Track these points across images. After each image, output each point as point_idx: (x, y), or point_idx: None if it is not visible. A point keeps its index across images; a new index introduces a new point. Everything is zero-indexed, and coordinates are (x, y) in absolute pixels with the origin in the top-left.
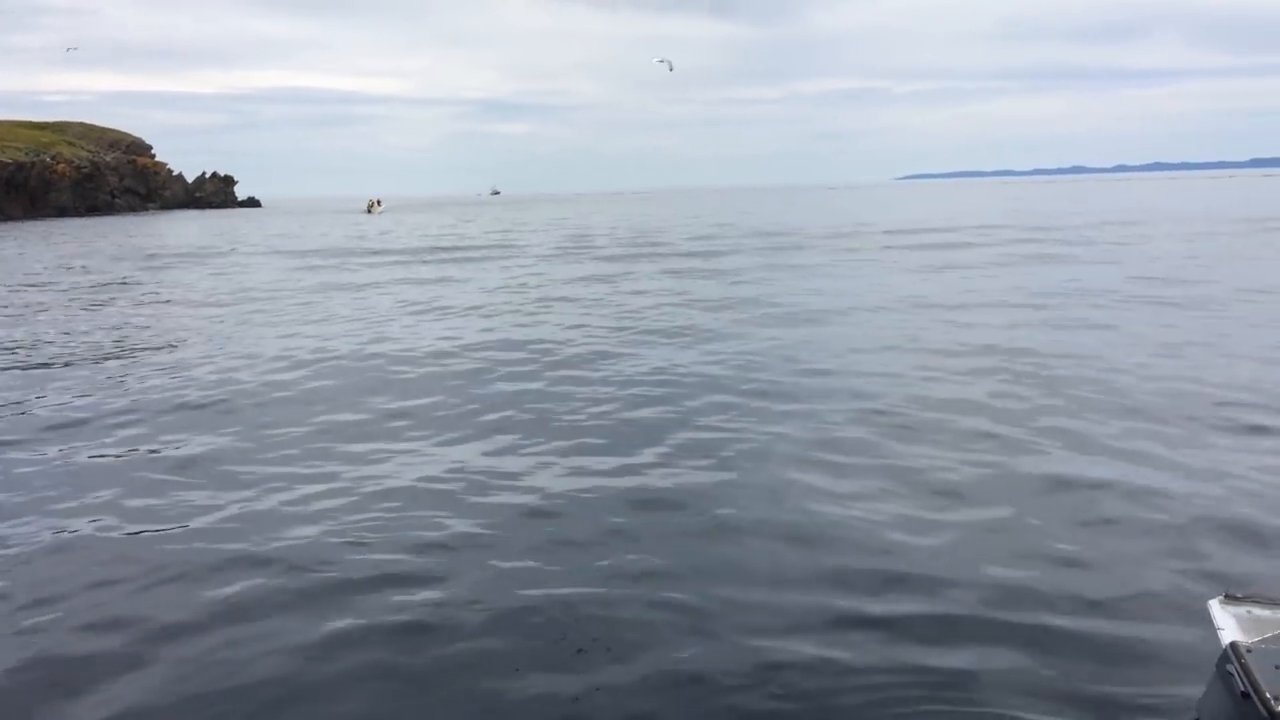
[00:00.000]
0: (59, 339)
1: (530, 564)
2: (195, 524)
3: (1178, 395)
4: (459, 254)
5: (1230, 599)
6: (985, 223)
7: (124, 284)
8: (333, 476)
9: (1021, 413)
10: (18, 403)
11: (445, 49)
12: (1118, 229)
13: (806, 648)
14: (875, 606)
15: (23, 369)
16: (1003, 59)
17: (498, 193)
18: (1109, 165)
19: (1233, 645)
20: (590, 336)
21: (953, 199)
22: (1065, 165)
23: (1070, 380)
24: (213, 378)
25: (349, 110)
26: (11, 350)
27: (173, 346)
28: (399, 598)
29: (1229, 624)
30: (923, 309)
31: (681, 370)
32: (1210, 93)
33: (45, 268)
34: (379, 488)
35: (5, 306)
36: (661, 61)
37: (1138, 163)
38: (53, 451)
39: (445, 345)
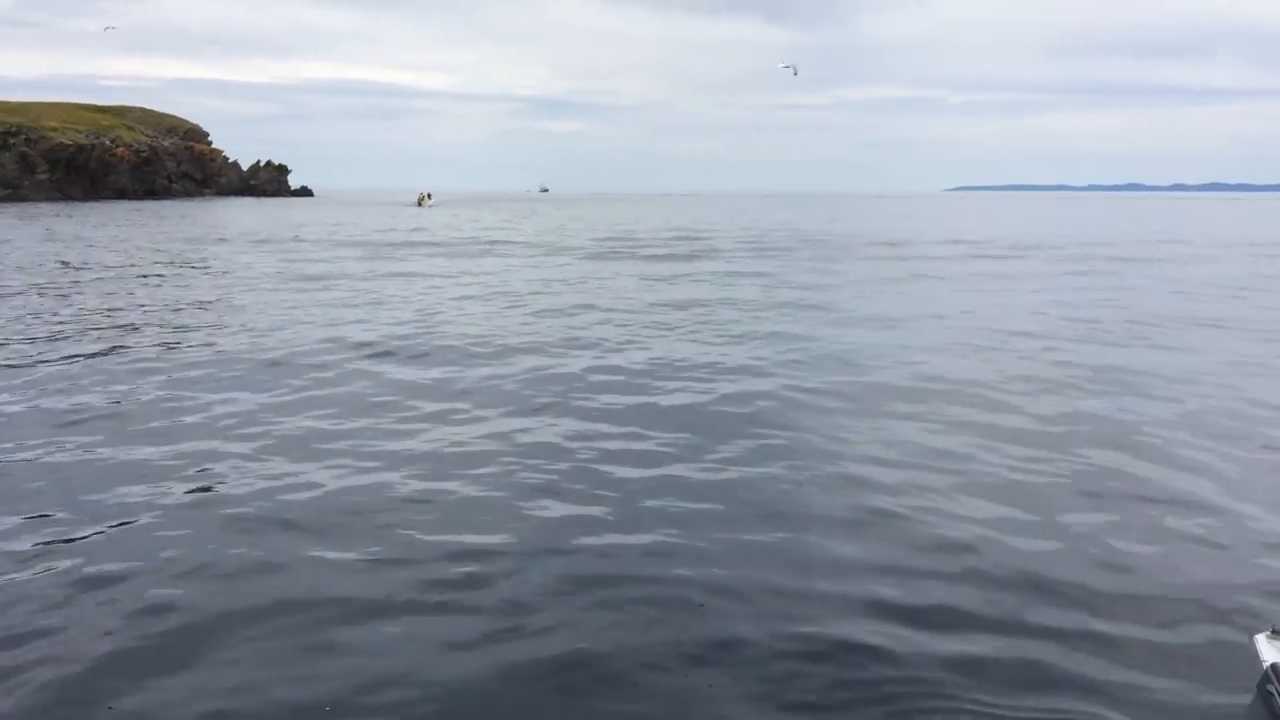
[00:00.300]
0: (164, 314)
1: (646, 539)
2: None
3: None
4: (521, 248)
5: (1277, 634)
6: (1087, 239)
7: (202, 266)
8: (406, 435)
9: (1124, 428)
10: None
11: (495, 45)
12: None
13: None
14: (973, 603)
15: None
16: (1060, 72)
17: (546, 190)
18: (1166, 183)
19: (1273, 666)
20: (664, 337)
21: (1041, 213)
22: (1121, 182)
23: (1149, 400)
24: (283, 351)
25: (399, 104)
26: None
27: (245, 328)
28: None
29: (1272, 655)
30: (1004, 327)
31: (767, 372)
32: (1273, 114)
33: (138, 248)
34: (460, 450)
35: (102, 279)
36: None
37: (1195, 182)
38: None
39: (521, 333)
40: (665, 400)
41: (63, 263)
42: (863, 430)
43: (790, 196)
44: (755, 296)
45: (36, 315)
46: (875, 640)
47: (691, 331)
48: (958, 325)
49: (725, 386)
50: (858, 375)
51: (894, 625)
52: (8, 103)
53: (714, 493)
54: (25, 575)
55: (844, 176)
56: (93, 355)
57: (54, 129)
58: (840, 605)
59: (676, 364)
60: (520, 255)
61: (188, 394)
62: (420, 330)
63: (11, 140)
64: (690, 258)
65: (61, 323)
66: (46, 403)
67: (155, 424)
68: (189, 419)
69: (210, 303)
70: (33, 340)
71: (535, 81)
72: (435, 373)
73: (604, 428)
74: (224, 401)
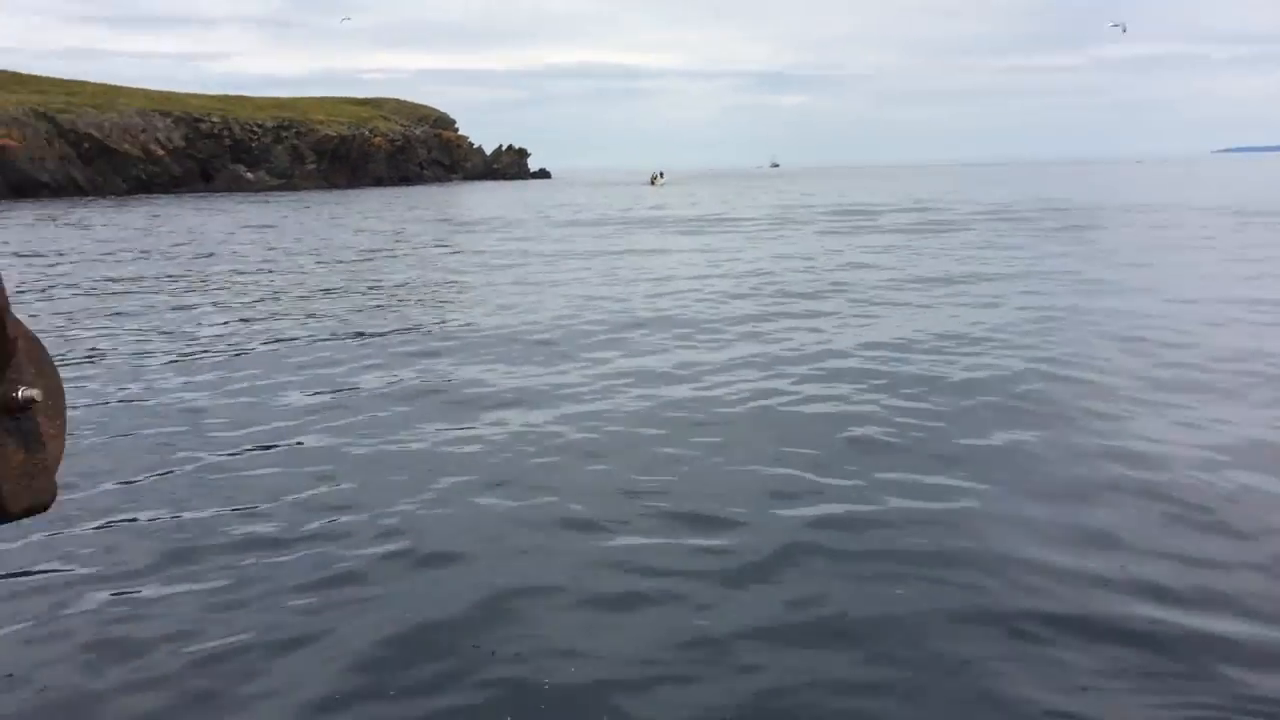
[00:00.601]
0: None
1: (917, 506)
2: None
3: None
4: (756, 223)
5: None
6: None
7: (458, 246)
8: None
9: None
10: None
11: (724, 21)
12: None
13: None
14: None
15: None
16: None
17: (777, 165)
18: None
19: None
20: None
21: None
22: None
23: None
24: (556, 332)
25: (633, 84)
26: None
27: (508, 307)
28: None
29: None
30: None
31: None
32: None
33: (396, 228)
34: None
35: (389, 251)
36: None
37: None
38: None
39: (777, 308)
40: (944, 373)
41: (369, 250)
42: (1166, 411)
43: (1036, 164)
44: (1015, 270)
45: (328, 292)
46: (1150, 624)
47: (961, 305)
48: (1243, 299)
49: (1006, 361)
50: (1149, 354)
51: (1173, 609)
52: (280, 99)
53: (995, 464)
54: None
55: (1098, 141)
56: (389, 333)
57: (320, 122)
58: (1126, 586)
59: (950, 337)
60: (756, 229)
61: (490, 367)
62: (674, 305)
63: (284, 134)
64: (936, 230)
65: (366, 300)
66: (368, 379)
67: (461, 396)
68: (500, 392)
69: (465, 282)
70: (345, 320)
71: (763, 56)
72: (697, 346)
73: (883, 399)
74: (533, 374)
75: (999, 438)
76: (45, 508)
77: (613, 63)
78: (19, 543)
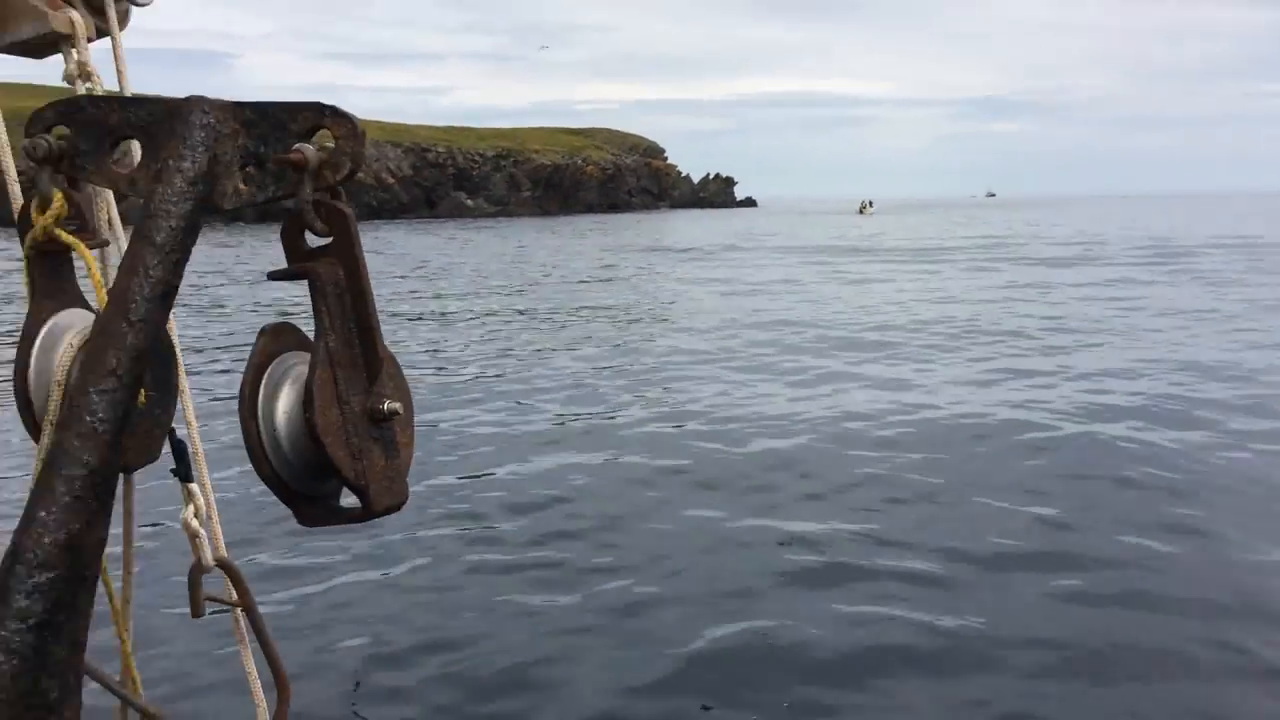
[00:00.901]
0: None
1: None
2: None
3: None
4: (970, 254)
5: None
6: None
7: (670, 271)
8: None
9: None
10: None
11: (940, 47)
12: None
13: None
14: None
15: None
16: None
17: (993, 195)
18: None
19: None
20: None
21: None
22: None
23: None
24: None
25: (843, 113)
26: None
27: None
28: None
29: None
30: None
31: None
32: None
33: (606, 252)
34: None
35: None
36: None
37: None
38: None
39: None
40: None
41: (607, 266)
42: None
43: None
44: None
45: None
46: None
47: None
48: None
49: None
50: None
51: None
52: (501, 129)
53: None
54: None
55: None
56: (648, 354)
57: (536, 151)
58: None
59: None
60: (971, 262)
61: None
62: (891, 331)
63: (503, 163)
64: (1169, 267)
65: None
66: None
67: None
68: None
69: (678, 304)
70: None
71: (980, 82)
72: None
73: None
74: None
75: None
76: (399, 508)
77: (822, 91)
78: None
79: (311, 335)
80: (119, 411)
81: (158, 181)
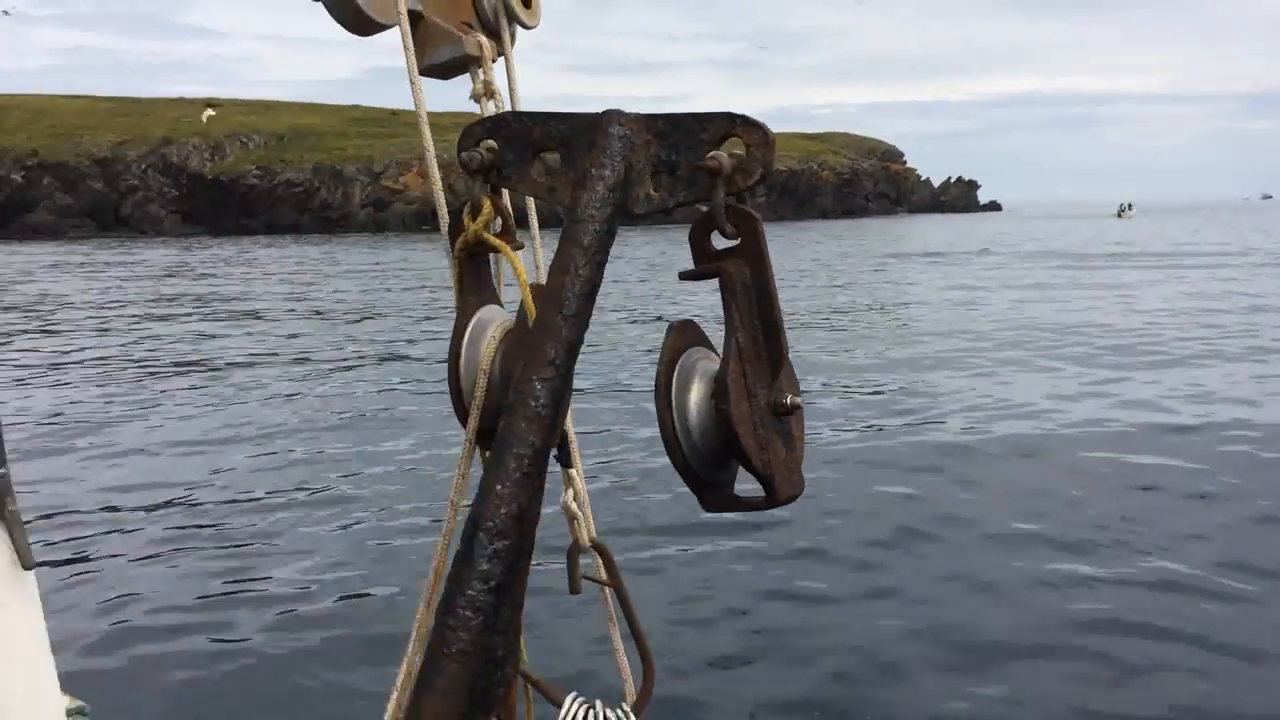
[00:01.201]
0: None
1: None
2: None
3: None
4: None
5: None
6: None
7: (925, 277)
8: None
9: None
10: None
11: (1203, 41)
12: None
13: None
14: None
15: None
16: None
17: (1269, 196)
18: None
19: None
20: None
21: None
22: None
23: None
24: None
25: (1094, 111)
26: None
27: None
28: None
29: None
30: None
31: None
32: None
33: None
34: None
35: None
36: None
37: None
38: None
39: None
40: None
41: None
42: None
43: None
44: None
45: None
46: None
47: None
48: None
49: None
50: None
51: None
52: None
53: None
54: None
55: None
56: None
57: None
58: None
59: None
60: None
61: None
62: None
63: None
64: None
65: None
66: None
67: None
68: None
69: (934, 305)
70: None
71: (1249, 76)
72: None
73: None
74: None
75: None
76: (796, 498)
77: (1069, 89)
78: None
79: (691, 331)
80: (557, 397)
81: (580, 189)
